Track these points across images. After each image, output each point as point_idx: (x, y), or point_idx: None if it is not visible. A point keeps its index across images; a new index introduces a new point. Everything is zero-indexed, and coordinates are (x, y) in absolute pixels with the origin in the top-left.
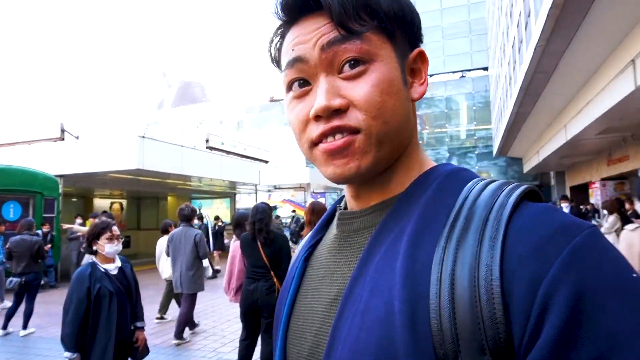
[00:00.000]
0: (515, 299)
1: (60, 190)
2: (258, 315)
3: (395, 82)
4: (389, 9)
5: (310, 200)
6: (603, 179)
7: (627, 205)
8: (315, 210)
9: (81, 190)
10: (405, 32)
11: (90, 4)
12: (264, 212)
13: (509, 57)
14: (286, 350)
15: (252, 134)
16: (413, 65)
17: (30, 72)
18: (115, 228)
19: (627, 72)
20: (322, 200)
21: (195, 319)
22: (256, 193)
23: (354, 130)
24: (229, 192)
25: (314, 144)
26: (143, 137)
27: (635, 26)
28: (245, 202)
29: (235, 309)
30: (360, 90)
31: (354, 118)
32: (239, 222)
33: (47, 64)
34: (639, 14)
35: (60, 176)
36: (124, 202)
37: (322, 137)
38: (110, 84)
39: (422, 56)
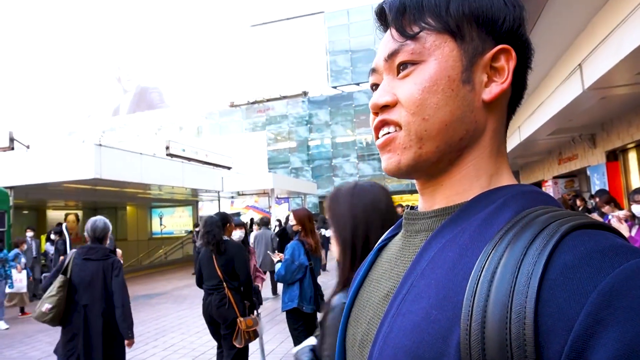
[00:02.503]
0: (549, 336)
1: (11, 203)
2: (217, 327)
3: (445, 81)
4: (457, 9)
5: (274, 205)
6: (555, 177)
7: (578, 202)
8: (306, 217)
9: (33, 202)
10: (484, 28)
11: (39, 6)
12: (212, 224)
13: None
14: (347, 329)
15: (212, 140)
16: (494, 63)
17: None
18: None
19: (575, 76)
20: (285, 205)
21: (162, 334)
22: (219, 200)
23: (398, 126)
24: (191, 200)
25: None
26: (100, 145)
27: (581, 33)
28: (208, 209)
29: (203, 320)
30: (404, 88)
31: (398, 114)
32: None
33: None
34: (584, 23)
35: (11, 188)
36: (80, 213)
37: (376, 131)
38: (62, 90)
39: (506, 53)
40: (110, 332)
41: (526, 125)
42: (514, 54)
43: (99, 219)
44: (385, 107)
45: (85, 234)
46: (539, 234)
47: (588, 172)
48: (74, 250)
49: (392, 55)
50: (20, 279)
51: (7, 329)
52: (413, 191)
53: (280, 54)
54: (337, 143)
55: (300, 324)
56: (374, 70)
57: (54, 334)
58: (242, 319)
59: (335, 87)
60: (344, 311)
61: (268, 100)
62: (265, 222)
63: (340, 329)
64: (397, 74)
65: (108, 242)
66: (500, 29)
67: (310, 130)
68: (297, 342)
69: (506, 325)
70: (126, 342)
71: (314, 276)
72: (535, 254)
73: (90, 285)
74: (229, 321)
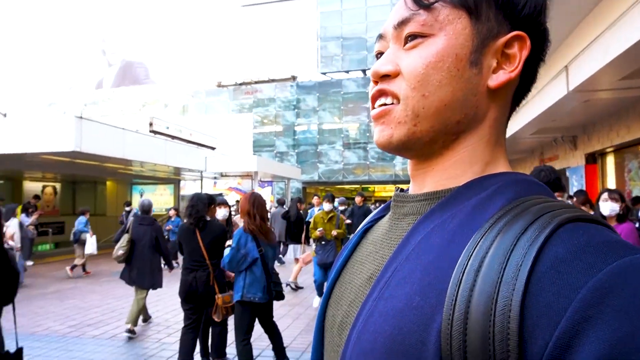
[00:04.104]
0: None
1: None
2: (200, 304)
3: (451, 59)
4: None
5: (257, 188)
6: None
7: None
8: (248, 202)
9: (9, 172)
10: (502, 10)
11: None
12: (198, 200)
13: None
14: (326, 310)
15: (198, 119)
16: (506, 49)
17: None
18: None
19: (561, 77)
20: (268, 188)
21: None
22: (202, 180)
23: (397, 98)
24: (173, 179)
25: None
26: (81, 117)
27: (569, 35)
28: (190, 188)
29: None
30: (409, 60)
31: (398, 85)
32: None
33: None
34: (572, 25)
35: None
36: (58, 185)
37: (373, 100)
38: (43, 59)
39: (520, 41)
40: (153, 266)
41: (510, 123)
42: (528, 42)
43: (146, 200)
44: (385, 77)
45: (139, 209)
46: (531, 224)
47: (567, 173)
48: (131, 218)
49: (402, 23)
50: (92, 243)
51: None
52: (397, 182)
53: (270, 36)
54: (324, 130)
55: (249, 317)
56: (381, 37)
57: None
58: (219, 295)
59: (324, 74)
60: (325, 291)
61: (256, 83)
62: (281, 202)
63: (320, 309)
64: (404, 45)
65: (151, 213)
66: (519, 13)
67: (298, 115)
68: (238, 335)
69: (490, 317)
70: (168, 269)
71: (264, 263)
72: (526, 245)
73: (143, 240)
74: (211, 296)
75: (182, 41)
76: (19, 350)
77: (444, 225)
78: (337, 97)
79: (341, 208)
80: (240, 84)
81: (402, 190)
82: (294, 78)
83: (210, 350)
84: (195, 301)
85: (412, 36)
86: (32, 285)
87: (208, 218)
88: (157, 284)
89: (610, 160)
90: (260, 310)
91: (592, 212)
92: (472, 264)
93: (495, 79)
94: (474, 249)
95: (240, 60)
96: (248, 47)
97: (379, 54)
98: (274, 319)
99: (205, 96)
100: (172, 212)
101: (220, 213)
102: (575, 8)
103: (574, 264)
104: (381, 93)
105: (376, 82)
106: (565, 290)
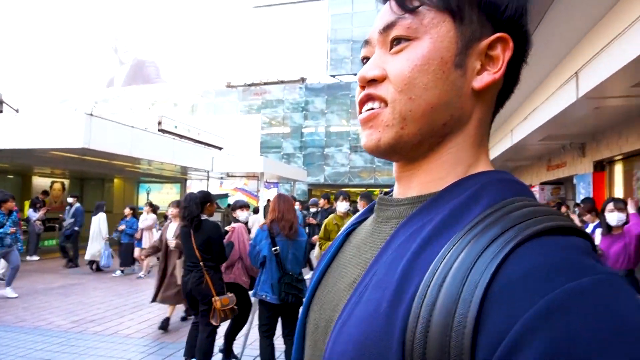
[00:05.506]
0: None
1: None
2: (194, 304)
3: (437, 62)
4: None
5: (263, 189)
6: (542, 183)
7: (562, 209)
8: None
9: (19, 167)
10: (484, 13)
11: None
12: (190, 201)
13: None
14: (308, 313)
15: (206, 119)
16: (489, 51)
17: None
18: None
19: (570, 83)
20: (274, 190)
21: (140, 307)
22: (208, 179)
23: (384, 102)
24: (180, 177)
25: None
26: (91, 114)
27: (579, 42)
28: (197, 187)
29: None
30: (395, 64)
31: (385, 89)
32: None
33: None
34: (583, 32)
35: None
36: (66, 182)
37: (360, 105)
38: (56, 56)
39: (503, 42)
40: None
41: (519, 129)
42: (511, 44)
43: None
44: (372, 81)
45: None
46: (496, 239)
47: (574, 181)
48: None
49: (387, 27)
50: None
51: (16, 297)
52: None
53: (280, 38)
54: (331, 132)
55: (267, 315)
56: (367, 43)
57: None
58: (217, 297)
59: (333, 76)
60: (307, 295)
61: (265, 84)
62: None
63: (302, 313)
64: (390, 49)
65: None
66: (501, 15)
67: (305, 117)
68: (259, 330)
69: (448, 332)
70: None
71: (279, 262)
72: (485, 262)
73: None
74: (207, 298)
75: (193, 41)
76: None
77: (420, 231)
78: (346, 100)
79: (312, 210)
80: (250, 85)
81: (386, 193)
82: (302, 80)
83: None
84: (192, 299)
85: (398, 40)
86: (37, 280)
87: (204, 217)
88: None
89: (618, 169)
90: (282, 311)
91: (596, 220)
92: (437, 277)
93: (480, 81)
94: (442, 261)
95: (249, 61)
96: (258, 48)
97: (365, 59)
98: None
99: (214, 96)
100: (126, 211)
101: (242, 215)
102: (586, 13)
103: (522, 287)
104: (369, 97)
105: (363, 87)
106: (512, 311)
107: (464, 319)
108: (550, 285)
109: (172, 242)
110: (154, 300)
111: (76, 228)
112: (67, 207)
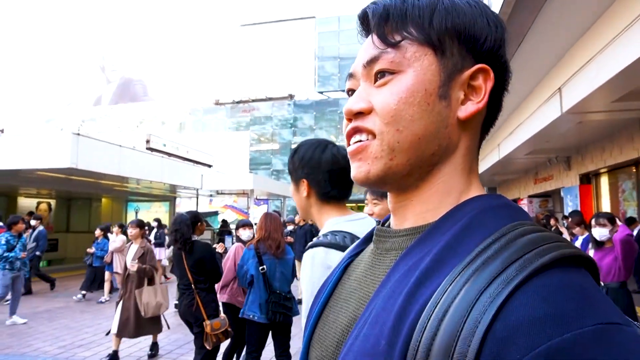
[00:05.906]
0: None
1: None
2: (190, 326)
3: (421, 94)
4: (440, 23)
5: (253, 206)
6: (530, 196)
7: (551, 222)
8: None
9: (4, 188)
10: (465, 45)
11: None
12: (181, 223)
13: None
14: (309, 351)
15: (195, 137)
16: (471, 81)
17: None
18: None
19: (554, 99)
20: (264, 207)
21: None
22: (197, 197)
23: (372, 134)
24: (169, 196)
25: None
26: (78, 134)
27: (562, 57)
28: (186, 205)
29: (171, 317)
30: (381, 97)
31: (372, 122)
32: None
33: None
34: (565, 49)
35: None
36: (53, 202)
37: (348, 137)
38: (42, 75)
39: (484, 73)
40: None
41: (505, 144)
42: (492, 74)
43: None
44: (359, 114)
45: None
46: (496, 277)
47: (562, 193)
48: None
49: (371, 61)
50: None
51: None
52: None
53: (268, 55)
54: None
55: (255, 337)
56: (351, 75)
57: None
58: (208, 321)
59: (321, 93)
60: (307, 331)
61: (253, 101)
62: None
63: (303, 349)
64: (375, 82)
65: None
66: (481, 47)
67: (294, 134)
68: (247, 347)
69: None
70: None
71: (266, 281)
72: (486, 303)
73: None
74: (199, 321)
75: (180, 59)
76: None
77: (419, 264)
78: (334, 116)
79: (289, 227)
80: (238, 102)
81: (382, 223)
82: (291, 96)
83: None
84: (188, 322)
85: (382, 73)
86: (22, 304)
87: (195, 237)
88: None
89: (604, 181)
90: (271, 331)
91: (585, 232)
92: (437, 313)
93: (465, 110)
94: (441, 298)
95: (238, 79)
96: (246, 66)
97: (350, 92)
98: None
99: (202, 114)
100: (97, 232)
101: (245, 234)
102: (568, 30)
103: (522, 335)
104: (356, 130)
105: (350, 120)
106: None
107: (463, 358)
108: (545, 337)
109: (133, 266)
110: (109, 332)
111: (37, 253)
112: (31, 230)
